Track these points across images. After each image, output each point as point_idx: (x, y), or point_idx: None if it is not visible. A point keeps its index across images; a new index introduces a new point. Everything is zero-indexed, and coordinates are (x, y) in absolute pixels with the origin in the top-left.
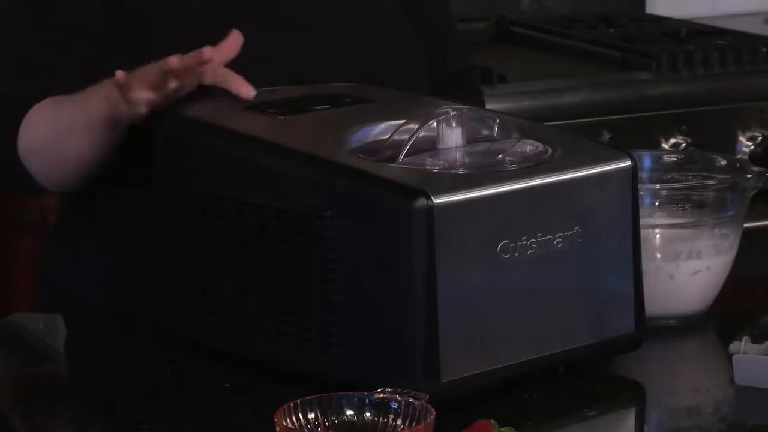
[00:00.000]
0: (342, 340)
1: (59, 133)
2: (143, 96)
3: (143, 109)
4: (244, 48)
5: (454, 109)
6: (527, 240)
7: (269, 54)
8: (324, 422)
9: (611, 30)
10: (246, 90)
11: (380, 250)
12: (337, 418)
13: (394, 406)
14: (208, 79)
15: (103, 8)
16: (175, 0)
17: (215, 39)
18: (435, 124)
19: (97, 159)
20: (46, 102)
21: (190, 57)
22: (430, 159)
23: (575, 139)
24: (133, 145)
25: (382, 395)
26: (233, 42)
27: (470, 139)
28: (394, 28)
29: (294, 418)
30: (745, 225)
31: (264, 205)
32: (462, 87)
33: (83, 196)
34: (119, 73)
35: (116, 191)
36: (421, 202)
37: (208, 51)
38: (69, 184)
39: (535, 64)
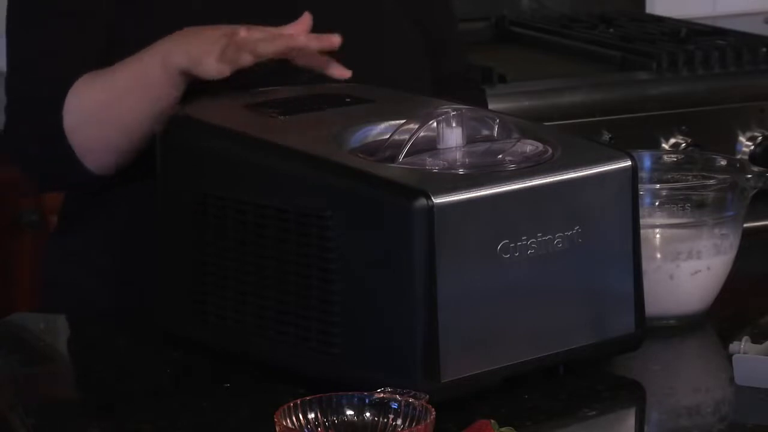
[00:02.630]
0: (342, 340)
1: (114, 96)
2: (222, 69)
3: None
4: None
5: (454, 109)
6: (527, 240)
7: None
8: (324, 422)
9: (611, 30)
10: (340, 71)
11: (380, 250)
12: (337, 418)
13: (394, 406)
14: (300, 59)
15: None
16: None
17: None
18: (435, 124)
19: (151, 122)
20: (91, 74)
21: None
22: (430, 159)
23: (575, 139)
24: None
25: (382, 395)
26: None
27: (470, 139)
28: (394, 28)
29: (294, 418)
30: (745, 225)
31: (264, 205)
32: (465, 86)
33: (87, 195)
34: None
35: (120, 190)
36: (421, 202)
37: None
38: (113, 158)
39: (535, 64)
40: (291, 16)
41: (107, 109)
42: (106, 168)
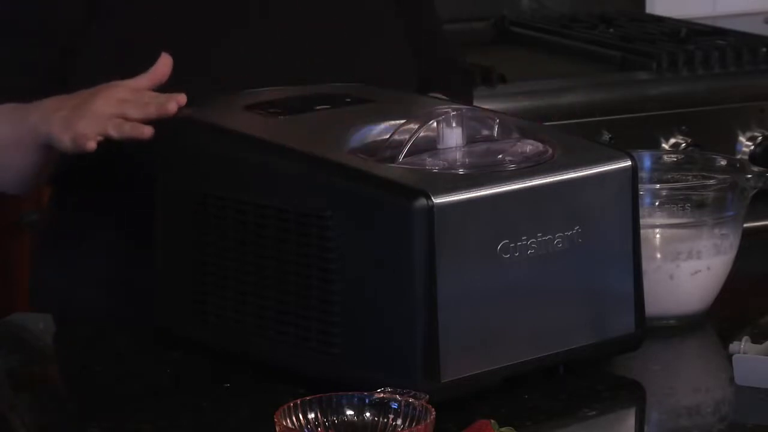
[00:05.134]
0: (342, 340)
1: (1, 144)
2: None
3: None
4: (239, 52)
5: (454, 109)
6: (527, 240)
7: (263, 57)
8: (324, 422)
9: (611, 30)
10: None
11: (380, 249)
12: (337, 418)
13: (394, 406)
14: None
15: (78, 19)
16: (160, 6)
17: (203, 46)
18: (435, 124)
19: (38, 171)
20: None
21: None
22: (430, 159)
23: (575, 139)
24: (129, 145)
25: (382, 395)
26: (162, 66)
27: (470, 139)
28: (390, 30)
29: (294, 418)
30: (745, 225)
31: (264, 205)
32: (449, 72)
33: (74, 199)
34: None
35: (109, 193)
36: (421, 202)
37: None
38: (20, 189)
39: (535, 64)
40: (286, 20)
41: None
42: (16, 191)
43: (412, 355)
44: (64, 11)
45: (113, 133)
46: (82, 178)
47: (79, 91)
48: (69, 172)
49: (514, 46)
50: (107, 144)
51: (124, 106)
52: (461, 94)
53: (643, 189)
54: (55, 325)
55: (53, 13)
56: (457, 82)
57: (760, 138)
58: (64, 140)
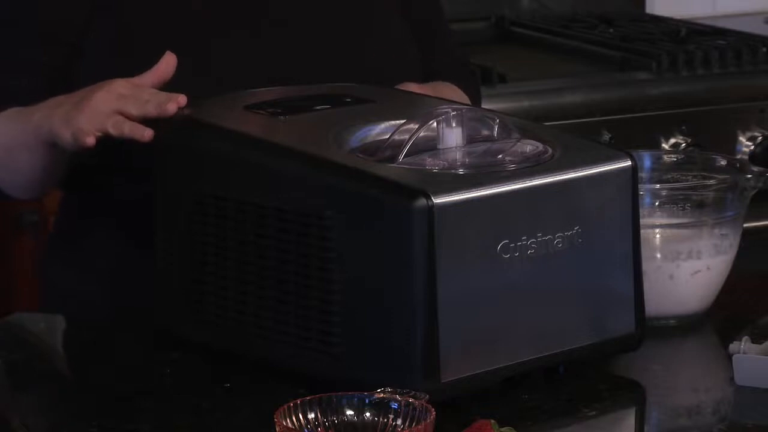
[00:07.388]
0: (342, 340)
1: (9, 146)
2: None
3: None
4: (240, 51)
5: (454, 109)
6: (527, 240)
7: (263, 55)
8: (324, 422)
9: (611, 30)
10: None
11: (380, 250)
12: (337, 418)
13: (394, 406)
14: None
15: (82, 18)
16: (162, 4)
17: (204, 46)
18: (435, 124)
19: (48, 173)
20: (5, 113)
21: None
22: (430, 159)
23: (575, 139)
24: (133, 145)
25: (382, 395)
26: (166, 64)
27: (470, 139)
28: (392, 28)
29: (294, 418)
30: (745, 225)
31: (264, 205)
32: (455, 76)
33: (83, 198)
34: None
35: (116, 193)
36: (421, 202)
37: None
38: (31, 192)
39: (535, 64)
40: (286, 18)
41: (6, 155)
42: (29, 195)
43: (412, 355)
44: (67, 10)
45: (112, 131)
46: (86, 179)
47: (83, 89)
48: (73, 174)
49: (514, 46)
50: (110, 146)
51: (123, 102)
52: (473, 92)
53: (643, 189)
54: (55, 325)
55: (55, 12)
56: (466, 82)
57: (760, 138)
58: (65, 136)
